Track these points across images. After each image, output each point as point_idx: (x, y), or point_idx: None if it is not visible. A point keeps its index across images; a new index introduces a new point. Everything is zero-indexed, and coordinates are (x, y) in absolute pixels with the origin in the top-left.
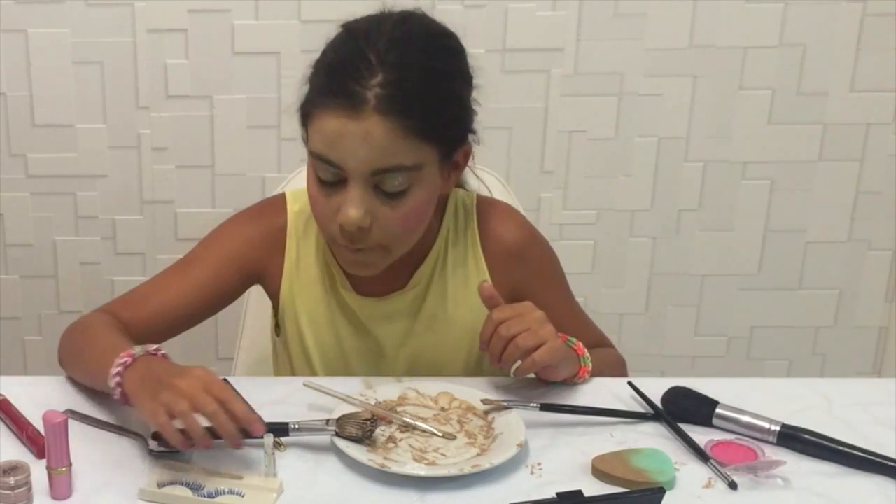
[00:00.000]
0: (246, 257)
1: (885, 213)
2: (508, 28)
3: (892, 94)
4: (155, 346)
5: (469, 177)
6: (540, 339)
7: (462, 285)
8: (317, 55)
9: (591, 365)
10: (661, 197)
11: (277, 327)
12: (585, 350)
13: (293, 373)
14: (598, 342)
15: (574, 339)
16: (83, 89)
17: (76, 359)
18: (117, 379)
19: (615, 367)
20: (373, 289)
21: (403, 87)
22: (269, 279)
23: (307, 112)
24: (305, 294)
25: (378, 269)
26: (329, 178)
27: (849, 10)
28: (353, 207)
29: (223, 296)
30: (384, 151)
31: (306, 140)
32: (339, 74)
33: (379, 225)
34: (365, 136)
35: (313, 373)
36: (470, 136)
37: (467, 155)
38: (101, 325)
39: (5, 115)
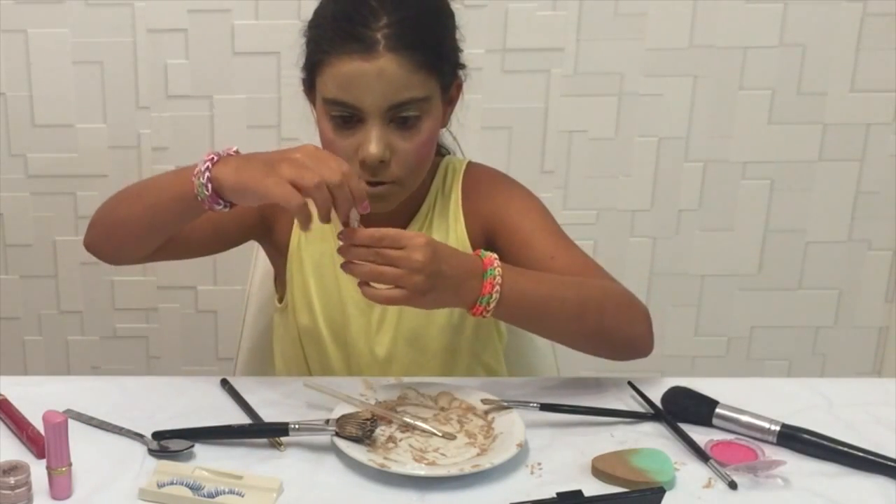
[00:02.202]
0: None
1: (885, 213)
2: (508, 28)
3: (892, 94)
4: (235, 148)
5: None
6: (403, 283)
7: (443, 238)
8: None
9: (499, 280)
10: (661, 197)
11: (279, 300)
12: (496, 263)
13: (297, 325)
14: (583, 274)
15: (486, 253)
16: (83, 89)
17: (132, 201)
18: (208, 174)
19: (599, 297)
20: None
21: (407, 25)
22: (279, 230)
23: (316, 62)
24: (311, 247)
25: (392, 203)
26: (345, 117)
27: (849, 10)
28: (373, 144)
29: (240, 232)
30: (398, 86)
31: (314, 93)
32: (346, 22)
33: (397, 158)
34: (379, 74)
35: (314, 319)
36: (460, 72)
37: (459, 88)
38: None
39: (5, 115)
